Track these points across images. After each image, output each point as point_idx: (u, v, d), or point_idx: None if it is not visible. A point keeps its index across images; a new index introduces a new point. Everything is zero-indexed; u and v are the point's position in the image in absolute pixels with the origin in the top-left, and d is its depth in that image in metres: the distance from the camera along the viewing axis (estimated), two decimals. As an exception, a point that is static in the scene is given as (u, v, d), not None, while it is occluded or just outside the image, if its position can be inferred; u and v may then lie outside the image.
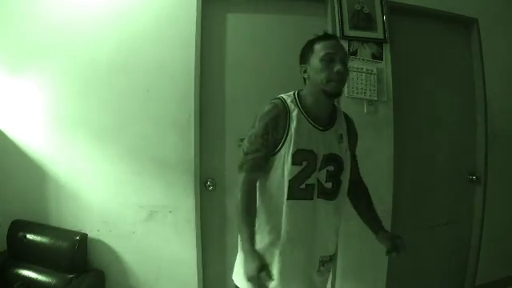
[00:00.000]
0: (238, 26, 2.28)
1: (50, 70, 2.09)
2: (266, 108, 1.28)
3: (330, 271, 1.43)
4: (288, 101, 1.30)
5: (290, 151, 1.25)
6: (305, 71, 1.33)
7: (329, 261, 1.38)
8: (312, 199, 1.29)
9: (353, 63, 2.32)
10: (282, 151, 1.26)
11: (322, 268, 1.36)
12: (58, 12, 2.09)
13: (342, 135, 1.36)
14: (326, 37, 1.32)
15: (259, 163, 1.26)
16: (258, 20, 2.30)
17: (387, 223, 2.34)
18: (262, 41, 2.30)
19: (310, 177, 1.27)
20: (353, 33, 2.33)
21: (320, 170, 1.29)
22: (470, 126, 2.66)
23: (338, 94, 1.29)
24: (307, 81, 1.34)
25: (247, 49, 2.27)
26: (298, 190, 1.27)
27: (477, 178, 2.62)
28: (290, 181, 1.26)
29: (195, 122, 2.12)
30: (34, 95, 2.09)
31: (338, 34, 2.31)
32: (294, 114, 1.27)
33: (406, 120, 2.44)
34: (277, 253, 1.29)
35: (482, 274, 2.63)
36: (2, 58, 2.07)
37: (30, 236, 1.94)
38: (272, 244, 1.29)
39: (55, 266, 1.92)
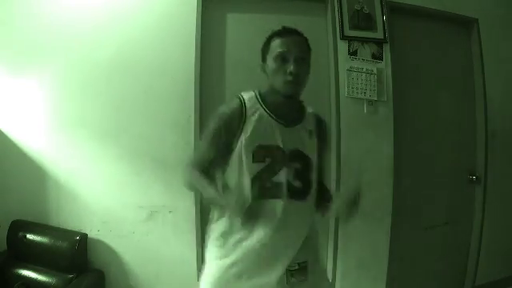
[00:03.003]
0: (238, 25, 2.28)
1: (50, 71, 2.09)
2: (220, 109, 1.22)
3: (307, 280, 1.24)
4: (246, 98, 1.23)
5: (250, 148, 1.16)
6: (264, 70, 1.26)
7: (299, 269, 1.22)
8: (281, 198, 1.17)
9: (353, 63, 2.32)
10: (238, 149, 1.17)
11: (292, 279, 1.21)
12: (60, 13, 2.09)
13: (311, 131, 1.27)
14: (280, 33, 1.23)
15: (207, 160, 1.21)
16: (258, 20, 2.30)
17: (387, 223, 2.35)
18: (262, 41, 2.28)
19: (276, 174, 1.18)
20: (353, 33, 2.33)
21: (286, 167, 1.19)
22: (470, 125, 2.66)
23: (293, 95, 1.22)
24: (267, 79, 1.26)
25: (247, 49, 2.26)
26: (262, 189, 1.16)
27: (477, 178, 2.61)
28: (252, 179, 1.15)
29: (195, 122, 2.12)
30: (35, 95, 2.09)
31: (337, 34, 2.32)
32: (254, 110, 1.20)
33: (406, 120, 2.44)
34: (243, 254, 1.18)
35: (482, 274, 2.63)
36: (2, 58, 2.07)
37: (30, 236, 1.94)
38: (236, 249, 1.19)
39: (55, 266, 1.92)
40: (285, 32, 1.23)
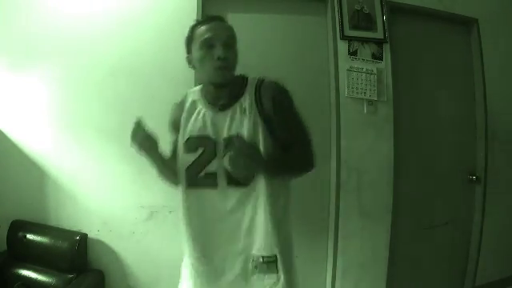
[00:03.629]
0: (237, 25, 2.25)
1: (52, 72, 2.08)
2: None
3: (276, 282, 1.15)
4: (191, 92, 1.29)
5: (183, 139, 1.22)
6: (190, 62, 1.22)
7: (263, 263, 1.14)
8: (216, 187, 1.16)
9: (353, 63, 2.32)
10: (179, 141, 1.25)
11: (257, 271, 1.15)
12: (64, 15, 2.09)
13: (245, 108, 1.17)
14: (204, 20, 1.20)
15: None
16: (258, 20, 2.30)
17: (387, 223, 2.35)
18: (262, 41, 2.30)
19: (208, 164, 1.16)
20: (353, 33, 2.33)
21: (224, 155, 1.13)
22: (470, 125, 2.66)
23: (224, 82, 1.17)
24: (195, 72, 1.27)
25: (247, 49, 2.25)
26: (197, 179, 1.18)
27: (477, 178, 2.61)
28: (186, 170, 1.20)
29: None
30: (36, 96, 2.09)
31: (337, 34, 2.32)
32: (194, 102, 1.24)
33: (406, 120, 2.44)
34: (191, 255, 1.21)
35: (482, 274, 2.63)
36: (4, 58, 2.07)
37: (30, 236, 1.94)
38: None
39: (55, 266, 1.92)
40: (208, 19, 1.20)
